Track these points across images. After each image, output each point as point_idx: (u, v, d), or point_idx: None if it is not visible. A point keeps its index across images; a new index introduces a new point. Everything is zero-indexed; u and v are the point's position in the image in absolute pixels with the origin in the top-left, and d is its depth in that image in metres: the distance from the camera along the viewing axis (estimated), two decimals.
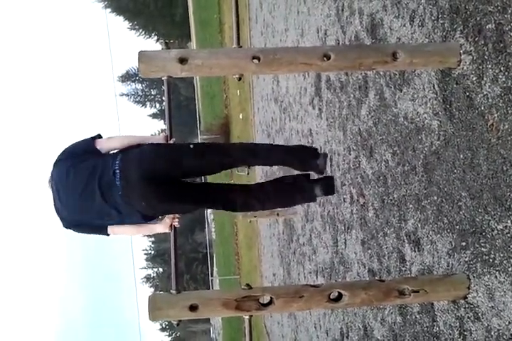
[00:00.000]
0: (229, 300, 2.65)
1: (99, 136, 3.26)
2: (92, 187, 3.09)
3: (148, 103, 76.79)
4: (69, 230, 3.31)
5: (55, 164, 3.26)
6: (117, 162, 3.05)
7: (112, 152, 3.23)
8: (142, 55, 2.70)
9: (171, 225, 3.26)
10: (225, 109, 30.64)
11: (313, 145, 4.40)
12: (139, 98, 76.08)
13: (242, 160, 3.26)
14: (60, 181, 3.21)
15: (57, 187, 3.23)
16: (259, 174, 14.13)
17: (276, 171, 9.43)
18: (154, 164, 3.07)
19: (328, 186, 3.35)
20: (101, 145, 3.20)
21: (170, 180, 3.12)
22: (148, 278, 75.56)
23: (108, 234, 3.28)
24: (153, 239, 76.03)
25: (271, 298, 2.68)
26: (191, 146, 3.19)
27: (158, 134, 3.47)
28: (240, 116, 21.60)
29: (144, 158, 3.07)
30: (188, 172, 3.20)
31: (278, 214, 8.78)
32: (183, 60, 2.69)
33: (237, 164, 3.38)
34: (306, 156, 3.31)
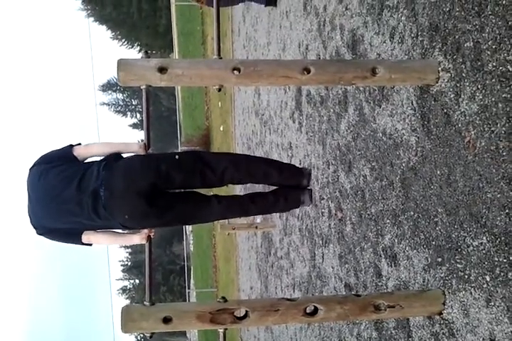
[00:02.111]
0: (203, 312, 2.62)
1: (79, 145, 3.23)
2: (69, 192, 3.04)
3: (128, 113, 76.56)
4: (42, 237, 3.25)
5: (30, 170, 3.22)
6: (103, 171, 3.02)
7: (92, 159, 3.20)
8: (121, 63, 2.68)
9: (148, 236, 3.22)
10: (206, 120, 30.62)
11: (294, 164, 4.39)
12: (119, 108, 75.85)
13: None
14: (32, 186, 3.17)
15: (30, 193, 3.18)
16: (238, 187, 14.11)
17: (256, 185, 9.42)
18: (140, 177, 3.03)
19: (312, 196, 3.39)
20: (78, 152, 3.16)
21: (156, 193, 3.08)
22: (124, 290, 74.75)
23: (82, 243, 3.21)
24: (129, 250, 75.42)
25: (246, 311, 2.66)
26: (177, 157, 3.17)
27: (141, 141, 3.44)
28: (221, 128, 21.60)
29: (129, 171, 3.04)
30: (174, 185, 3.16)
31: (257, 227, 8.75)
32: (162, 69, 2.68)
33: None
34: (293, 175, 3.34)
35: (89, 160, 3.22)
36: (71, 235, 3.21)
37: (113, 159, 3.13)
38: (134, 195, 3.00)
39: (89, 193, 3.01)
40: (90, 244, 3.24)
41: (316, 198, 5.42)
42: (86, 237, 3.19)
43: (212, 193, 3.35)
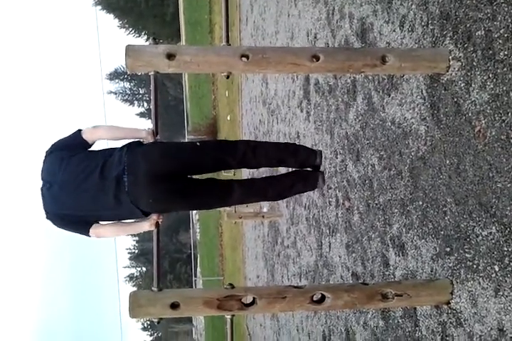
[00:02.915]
0: (211, 299, 2.63)
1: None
2: (92, 179, 3.04)
3: (136, 102, 76.51)
4: (50, 222, 3.25)
5: (46, 157, 3.22)
6: (125, 157, 3.02)
7: (114, 146, 3.20)
8: (129, 49, 2.67)
9: (157, 222, 3.23)
10: (213, 109, 30.61)
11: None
12: (126, 96, 75.78)
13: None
14: (51, 173, 3.16)
15: (47, 178, 3.18)
16: (246, 175, 14.11)
17: (263, 173, 9.43)
18: (162, 163, 3.05)
19: (324, 178, 3.43)
20: (86, 136, 3.15)
21: (179, 178, 3.12)
22: (131, 277, 75.18)
23: (88, 235, 3.21)
24: (137, 238, 75.72)
25: (253, 298, 2.67)
26: (198, 144, 3.21)
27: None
28: (228, 118, 21.58)
29: (154, 157, 3.05)
30: (196, 170, 3.21)
31: (263, 216, 8.77)
32: (170, 56, 2.67)
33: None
34: (306, 156, 3.37)
35: (108, 147, 3.24)
36: (80, 225, 3.22)
37: (135, 145, 3.14)
38: (159, 180, 3.02)
39: (112, 179, 3.01)
40: (89, 235, 3.24)
41: (324, 188, 5.41)
42: (93, 231, 3.19)
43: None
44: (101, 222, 3.23)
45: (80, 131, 3.19)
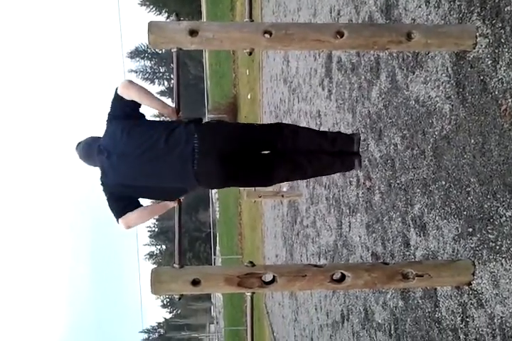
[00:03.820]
0: (231, 276, 2.64)
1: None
2: (156, 152, 3.05)
3: (156, 80, 76.51)
4: (103, 191, 3.26)
5: (107, 125, 3.21)
6: (195, 136, 3.04)
7: (178, 120, 3.22)
8: (152, 26, 2.65)
9: (178, 199, 3.25)
10: (233, 88, 30.47)
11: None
12: (147, 75, 75.79)
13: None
14: (111, 143, 3.15)
15: (108, 149, 3.15)
16: None
17: None
18: (233, 143, 3.14)
19: (361, 161, 3.51)
20: (121, 90, 3.11)
21: (242, 156, 3.19)
22: (151, 255, 76.13)
23: (118, 220, 3.18)
24: (157, 216, 76.37)
25: (274, 276, 2.67)
26: (256, 125, 3.40)
27: None
28: (249, 96, 21.47)
29: (224, 137, 3.13)
30: (257, 149, 3.30)
31: (283, 196, 8.76)
32: (193, 32, 2.64)
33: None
34: (344, 143, 3.47)
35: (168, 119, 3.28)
36: (120, 204, 3.20)
37: (200, 122, 3.19)
38: (229, 159, 3.09)
39: (180, 154, 3.03)
40: (118, 220, 3.24)
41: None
42: (124, 219, 3.18)
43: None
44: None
45: (116, 90, 3.15)
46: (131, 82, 3.13)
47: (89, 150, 3.30)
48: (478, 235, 2.77)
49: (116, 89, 3.13)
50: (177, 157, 3.04)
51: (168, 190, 3.23)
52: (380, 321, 4.29)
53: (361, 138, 3.51)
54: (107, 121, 3.23)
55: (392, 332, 3.99)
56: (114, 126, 3.18)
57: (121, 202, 3.22)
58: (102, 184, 3.26)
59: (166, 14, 62.70)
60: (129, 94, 3.11)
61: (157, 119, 3.37)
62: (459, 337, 2.93)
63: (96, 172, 3.31)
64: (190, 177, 3.07)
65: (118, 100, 3.14)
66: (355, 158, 3.46)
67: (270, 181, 3.41)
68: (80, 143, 3.41)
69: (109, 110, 3.22)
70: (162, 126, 3.16)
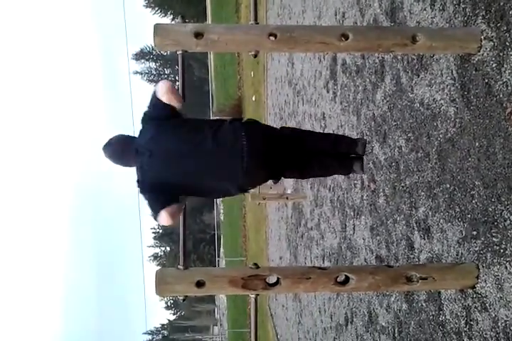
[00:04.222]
0: (236, 278, 2.65)
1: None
2: (203, 151, 3.07)
3: None
4: (139, 190, 3.21)
5: (144, 126, 3.20)
6: (244, 138, 3.08)
7: (217, 118, 3.28)
8: (158, 28, 2.66)
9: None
10: (238, 90, 30.47)
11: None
12: (152, 76, 75.87)
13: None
14: (153, 142, 3.14)
15: (150, 148, 3.14)
16: None
17: None
18: (273, 143, 3.23)
19: (363, 165, 3.55)
20: (162, 96, 3.08)
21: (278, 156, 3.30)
22: (155, 257, 76.12)
23: (159, 211, 3.14)
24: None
25: (278, 278, 2.67)
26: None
27: None
28: (253, 98, 21.46)
29: (265, 137, 3.21)
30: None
31: (287, 198, 8.75)
32: (198, 35, 2.65)
33: None
34: (348, 147, 3.52)
35: (212, 118, 3.33)
36: (160, 199, 3.18)
37: (246, 123, 3.26)
38: (271, 155, 3.20)
39: (230, 152, 3.07)
40: (157, 215, 3.24)
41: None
42: (168, 210, 3.17)
43: None
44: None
45: (154, 92, 3.13)
46: (171, 86, 3.13)
47: (125, 149, 3.25)
48: (482, 238, 2.77)
49: (155, 91, 3.11)
50: (226, 155, 3.06)
51: (210, 189, 3.27)
52: (383, 324, 4.28)
53: (367, 143, 3.52)
54: (144, 121, 3.20)
55: (396, 335, 3.99)
56: (154, 126, 3.15)
57: (163, 197, 3.18)
58: (140, 184, 3.21)
59: (171, 16, 62.80)
60: (170, 100, 3.12)
61: (198, 118, 3.43)
62: None
63: (125, 171, 3.31)
64: (239, 174, 3.10)
65: (157, 102, 3.11)
66: (356, 161, 3.48)
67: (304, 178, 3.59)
68: (110, 143, 3.31)
69: (146, 110, 3.19)
70: (207, 125, 3.18)
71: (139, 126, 3.25)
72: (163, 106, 3.11)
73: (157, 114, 3.16)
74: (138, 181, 3.23)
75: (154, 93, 3.11)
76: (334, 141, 3.48)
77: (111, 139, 3.33)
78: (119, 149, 3.29)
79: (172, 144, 3.12)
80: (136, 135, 3.25)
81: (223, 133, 3.09)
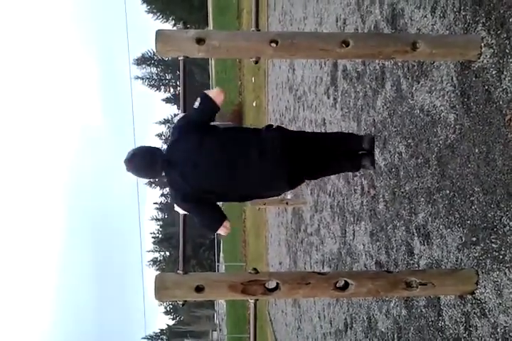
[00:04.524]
0: (235, 283, 2.65)
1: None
2: (248, 160, 3.12)
3: (162, 87, 76.70)
4: (182, 203, 3.22)
5: (181, 137, 3.22)
6: (280, 140, 3.17)
7: (255, 127, 3.39)
8: (160, 34, 2.68)
9: None
10: (239, 95, 30.53)
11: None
12: (153, 82, 76.01)
13: None
14: (194, 153, 3.15)
15: (193, 159, 3.16)
16: None
17: None
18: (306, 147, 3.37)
19: (373, 160, 3.58)
20: (220, 102, 3.19)
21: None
22: (155, 262, 76.02)
23: (220, 223, 3.21)
24: (161, 222, 76.42)
25: (277, 283, 2.68)
26: None
27: (175, 116, 3.52)
28: (254, 104, 21.52)
29: (300, 142, 3.33)
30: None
31: (287, 203, 8.76)
32: (200, 41, 2.67)
33: None
34: (355, 144, 3.71)
35: (250, 126, 3.39)
36: (214, 218, 3.24)
37: (271, 126, 3.32)
38: (307, 158, 3.33)
39: (273, 158, 3.13)
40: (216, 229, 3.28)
41: (350, 176, 5.39)
42: (226, 226, 3.22)
43: None
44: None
45: (208, 99, 3.18)
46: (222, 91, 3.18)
47: (152, 161, 3.21)
48: (481, 244, 2.77)
49: (205, 94, 3.15)
50: (270, 161, 3.11)
51: (253, 196, 3.45)
52: (383, 330, 4.28)
53: (375, 138, 3.53)
54: (180, 131, 3.21)
55: (395, 340, 3.99)
56: (195, 136, 3.17)
57: (212, 212, 3.24)
58: (181, 195, 3.22)
59: (173, 22, 62.96)
60: (221, 99, 3.16)
61: (234, 126, 3.51)
62: None
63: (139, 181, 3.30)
64: (284, 178, 3.19)
65: (209, 103, 3.15)
66: (366, 157, 3.50)
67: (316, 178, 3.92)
68: (134, 154, 3.25)
69: (185, 121, 3.21)
70: (247, 134, 3.21)
71: (170, 137, 3.26)
72: (212, 107, 3.16)
73: (201, 119, 3.19)
74: (177, 192, 3.20)
75: (204, 95, 3.15)
76: (341, 138, 3.52)
77: (134, 151, 3.26)
78: (146, 161, 3.23)
79: (217, 154, 3.14)
80: (158, 145, 3.29)
81: (264, 141, 3.14)
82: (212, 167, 3.13)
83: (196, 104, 3.17)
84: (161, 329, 79.45)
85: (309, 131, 6.96)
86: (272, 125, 3.36)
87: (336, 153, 3.52)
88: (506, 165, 2.58)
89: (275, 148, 3.10)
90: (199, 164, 3.12)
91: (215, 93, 3.17)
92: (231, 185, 3.20)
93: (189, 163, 3.13)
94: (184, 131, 3.20)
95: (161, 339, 79.19)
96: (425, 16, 3.55)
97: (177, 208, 3.25)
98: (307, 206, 8.27)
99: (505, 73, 2.62)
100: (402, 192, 3.91)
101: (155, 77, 76.23)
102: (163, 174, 3.22)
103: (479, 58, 2.83)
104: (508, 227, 2.55)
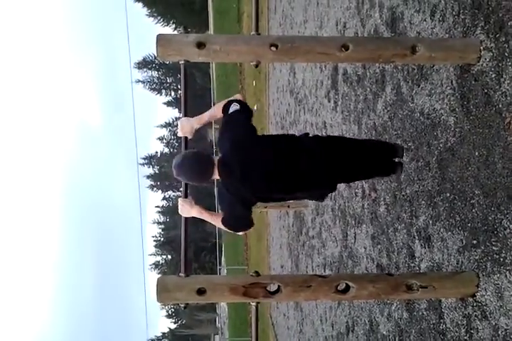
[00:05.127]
0: (237, 285, 2.66)
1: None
2: (296, 164, 3.11)
3: (163, 91, 76.75)
4: (253, 198, 3.21)
5: (233, 145, 3.19)
6: (323, 145, 3.16)
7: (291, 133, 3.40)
8: (161, 38, 2.70)
9: None
10: None
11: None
12: (154, 85, 76.06)
13: None
14: (249, 159, 3.15)
15: (251, 164, 3.15)
16: None
17: None
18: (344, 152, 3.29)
19: (402, 168, 3.55)
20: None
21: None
22: (156, 265, 75.93)
23: (249, 227, 3.21)
24: (162, 225, 76.39)
25: (278, 286, 2.68)
26: None
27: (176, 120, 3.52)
28: (255, 107, 21.51)
29: (338, 147, 3.25)
30: None
31: (289, 206, 8.77)
32: (200, 45, 2.69)
33: None
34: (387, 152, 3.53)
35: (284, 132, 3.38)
36: (249, 218, 3.23)
37: (308, 134, 3.30)
38: (345, 162, 3.25)
39: (319, 162, 3.11)
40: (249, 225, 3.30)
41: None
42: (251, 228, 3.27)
43: None
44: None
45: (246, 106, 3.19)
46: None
47: (206, 165, 3.18)
48: (482, 247, 2.78)
49: (239, 100, 3.16)
50: (317, 165, 3.11)
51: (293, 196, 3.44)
52: (384, 332, 4.28)
53: (403, 148, 3.57)
54: (235, 141, 3.17)
55: None
56: (249, 144, 3.15)
57: (250, 212, 3.23)
58: (248, 199, 3.19)
59: (174, 25, 63.06)
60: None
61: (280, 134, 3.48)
62: None
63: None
64: (330, 181, 3.20)
65: (250, 117, 3.18)
66: (399, 165, 3.49)
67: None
68: (185, 157, 3.19)
69: (243, 130, 3.17)
70: (293, 141, 3.21)
71: (222, 141, 3.25)
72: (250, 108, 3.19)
73: (251, 130, 3.19)
74: (234, 195, 3.17)
75: (237, 100, 3.16)
76: (378, 145, 3.55)
77: (185, 155, 3.21)
78: (199, 165, 3.19)
79: (265, 159, 3.12)
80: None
81: (308, 147, 3.13)
82: (266, 173, 3.14)
83: (235, 108, 3.16)
84: (163, 333, 79.33)
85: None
86: (308, 133, 3.38)
87: (373, 159, 3.51)
88: (506, 168, 2.59)
89: (321, 152, 3.11)
90: (254, 169, 3.13)
91: (240, 97, 3.20)
92: (288, 187, 3.23)
93: (248, 168, 3.13)
94: (236, 143, 3.19)
95: None
96: (424, 20, 3.56)
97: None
98: (308, 209, 8.28)
99: (504, 76, 2.63)
100: (403, 196, 3.92)
101: (156, 80, 76.28)
102: (216, 177, 3.22)
103: (478, 62, 2.84)
104: (508, 230, 2.56)
